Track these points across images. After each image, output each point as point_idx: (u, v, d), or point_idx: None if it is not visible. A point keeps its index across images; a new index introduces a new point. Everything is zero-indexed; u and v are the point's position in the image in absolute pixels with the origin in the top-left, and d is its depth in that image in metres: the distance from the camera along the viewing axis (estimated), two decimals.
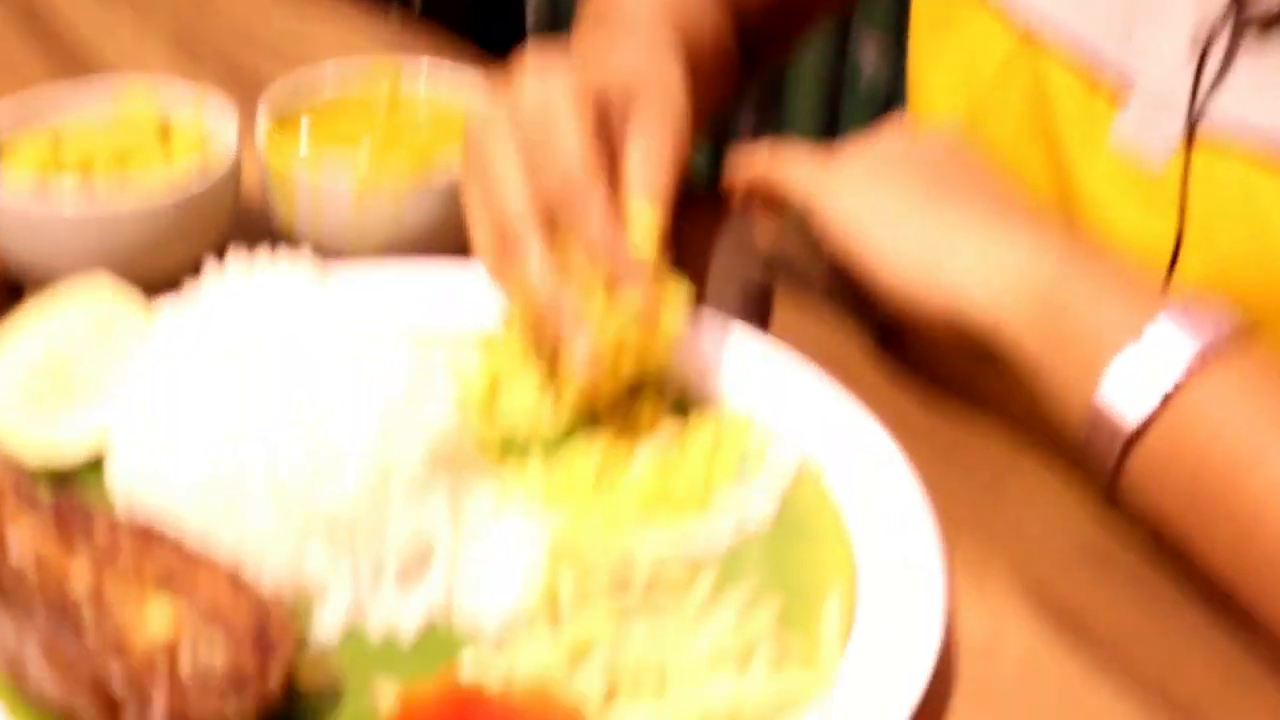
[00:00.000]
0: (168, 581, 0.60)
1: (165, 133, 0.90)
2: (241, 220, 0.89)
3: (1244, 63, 0.71)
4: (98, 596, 0.60)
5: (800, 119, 1.94)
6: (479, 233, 0.74)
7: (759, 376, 0.77)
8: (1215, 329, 0.63)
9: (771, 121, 1.96)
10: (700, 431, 0.73)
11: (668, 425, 0.73)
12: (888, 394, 0.80)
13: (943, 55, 0.88)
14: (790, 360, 0.78)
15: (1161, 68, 0.74)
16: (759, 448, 0.72)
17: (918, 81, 0.90)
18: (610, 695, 0.60)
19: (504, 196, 0.72)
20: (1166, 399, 0.63)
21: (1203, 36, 0.72)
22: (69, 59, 1.15)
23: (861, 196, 0.73)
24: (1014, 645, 0.66)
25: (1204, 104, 0.73)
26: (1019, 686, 0.64)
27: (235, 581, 0.60)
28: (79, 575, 0.60)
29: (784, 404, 0.76)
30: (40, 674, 0.58)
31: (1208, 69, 0.72)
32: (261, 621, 0.59)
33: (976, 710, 0.63)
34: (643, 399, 0.75)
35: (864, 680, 0.60)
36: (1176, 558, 0.68)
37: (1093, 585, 0.69)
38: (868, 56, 1.89)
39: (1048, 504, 0.74)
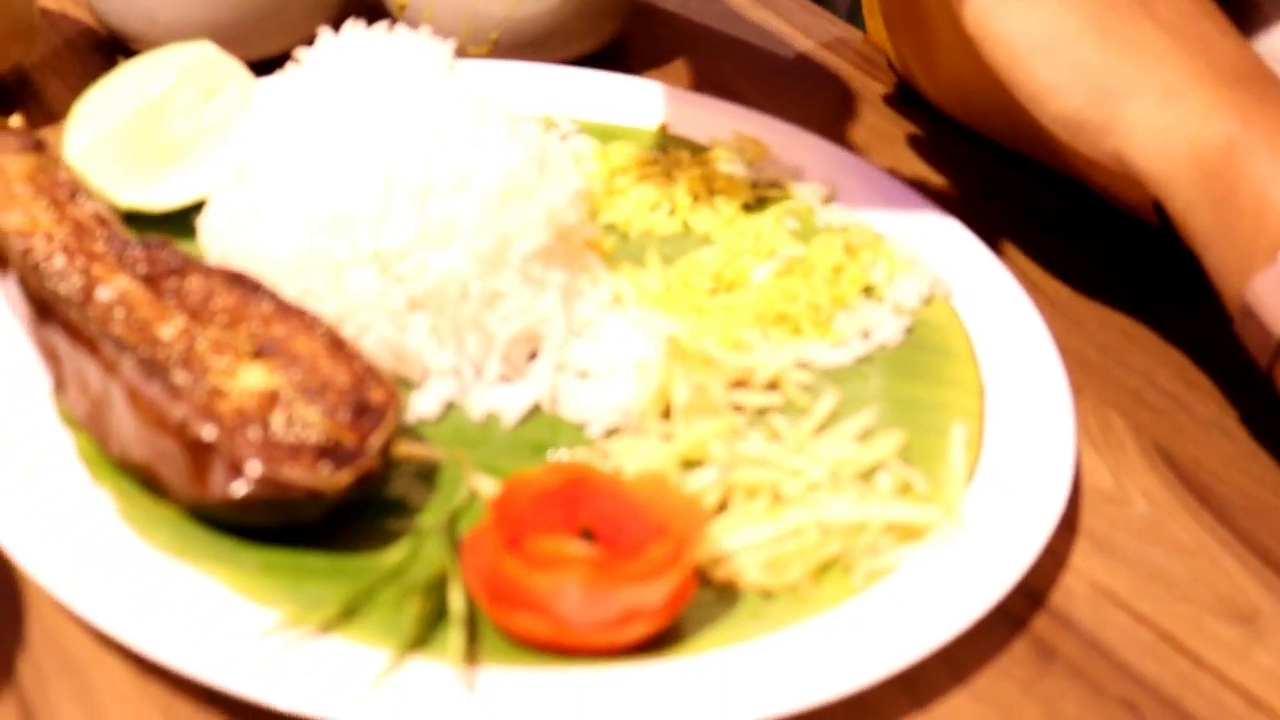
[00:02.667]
0: (264, 340, 0.57)
1: None
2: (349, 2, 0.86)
3: None
4: (189, 353, 0.56)
5: None
6: None
7: (884, 207, 0.74)
8: None
9: None
10: (823, 253, 0.69)
11: (787, 246, 0.69)
12: (1012, 253, 0.76)
13: None
14: (919, 197, 0.75)
15: None
16: (887, 271, 0.68)
17: None
18: (721, 508, 0.56)
19: None
20: None
21: None
22: None
23: (1024, 13, 0.64)
24: (1138, 502, 0.63)
25: None
26: (1141, 542, 0.61)
27: (336, 346, 0.57)
28: (170, 330, 0.57)
29: (912, 237, 0.72)
30: (125, 426, 0.54)
31: None
32: (362, 392, 0.55)
33: (1098, 561, 0.59)
34: (761, 218, 0.72)
35: (989, 518, 0.57)
36: None
37: (1218, 458, 0.66)
38: None
39: (1171, 377, 0.70)
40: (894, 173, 0.78)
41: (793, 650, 0.51)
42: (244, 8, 0.80)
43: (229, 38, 0.78)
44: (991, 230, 0.78)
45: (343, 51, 0.65)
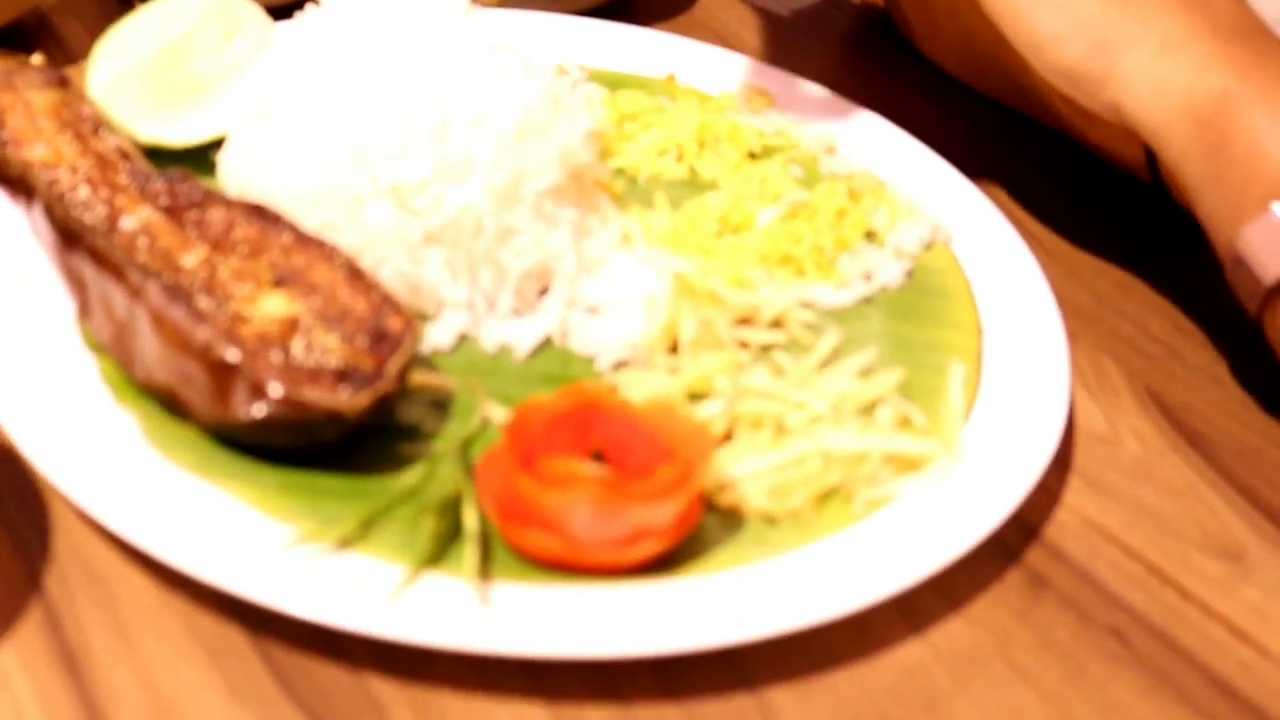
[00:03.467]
0: (284, 270, 0.58)
1: None
2: None
3: None
4: (211, 281, 0.58)
5: None
6: None
7: (886, 156, 0.75)
8: None
9: None
10: (827, 198, 0.70)
11: (792, 192, 0.71)
12: (1010, 204, 0.78)
13: None
14: (920, 147, 0.76)
15: None
16: (889, 217, 0.70)
17: None
18: (726, 438, 0.58)
19: None
20: None
21: None
22: None
23: None
24: (1130, 443, 0.64)
25: None
26: (1132, 482, 0.62)
27: (354, 276, 0.58)
28: (192, 259, 0.58)
29: (913, 185, 0.74)
30: (149, 350, 0.56)
31: None
32: (380, 320, 0.57)
33: (1090, 498, 0.61)
34: (766, 165, 0.73)
35: (985, 453, 0.58)
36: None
37: (1208, 402, 0.68)
38: None
39: (1163, 325, 0.72)
40: (895, 124, 0.79)
41: (794, 573, 0.53)
42: None
43: None
44: (990, 181, 0.79)
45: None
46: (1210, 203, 0.63)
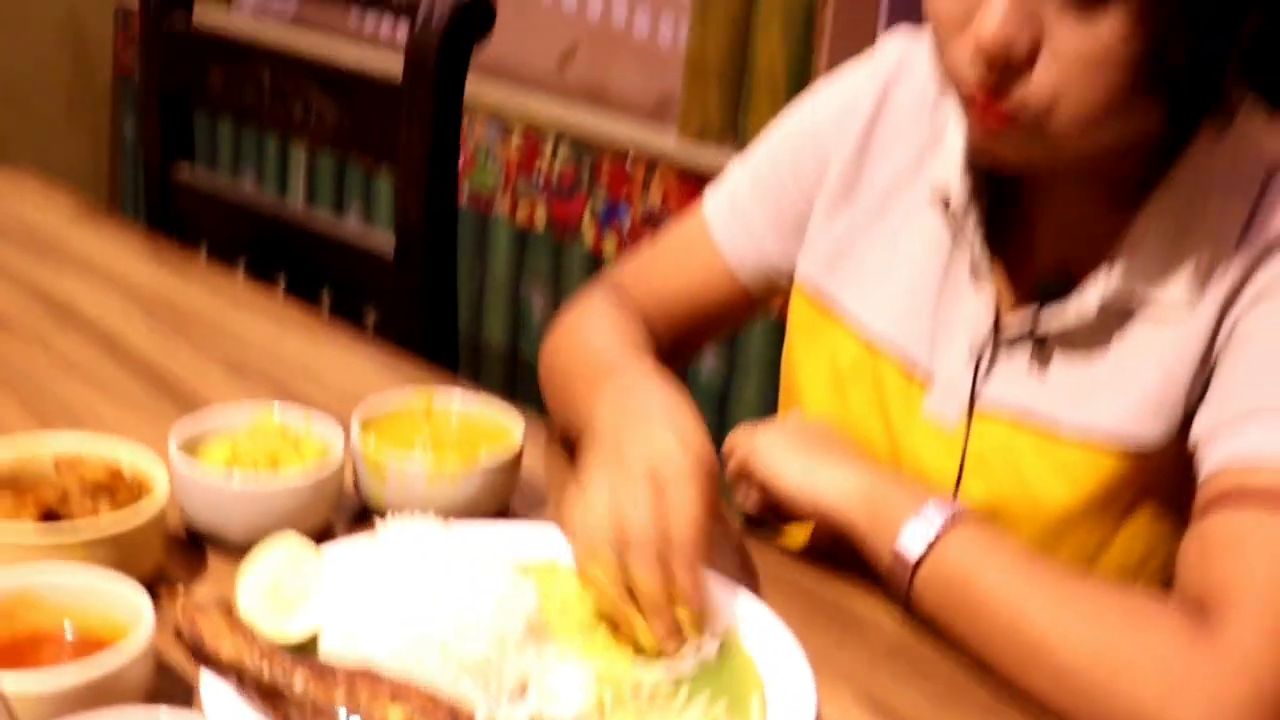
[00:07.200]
0: (395, 697, 1.09)
1: (294, 442, 1.40)
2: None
3: (1001, 365, 1.25)
4: (355, 707, 1.07)
5: None
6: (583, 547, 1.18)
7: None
8: (962, 510, 1.17)
9: None
10: None
11: None
12: (796, 586, 1.31)
13: (810, 357, 1.39)
14: (726, 582, 1.29)
15: (952, 367, 1.28)
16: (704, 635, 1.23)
17: (791, 373, 1.42)
18: None
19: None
20: (933, 542, 1.15)
21: (976, 349, 1.26)
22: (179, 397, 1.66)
23: (776, 443, 1.28)
24: None
25: (978, 390, 1.26)
26: None
27: (435, 698, 1.09)
28: (339, 696, 1.08)
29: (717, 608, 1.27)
30: None
31: (981, 369, 1.26)
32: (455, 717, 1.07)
33: None
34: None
35: None
36: (959, 659, 1.17)
37: (905, 688, 1.18)
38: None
39: (876, 656, 1.24)
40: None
41: None
42: (283, 515, 1.31)
43: (276, 527, 1.30)
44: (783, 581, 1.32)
45: (394, 534, 1.19)
46: (875, 536, 1.22)
